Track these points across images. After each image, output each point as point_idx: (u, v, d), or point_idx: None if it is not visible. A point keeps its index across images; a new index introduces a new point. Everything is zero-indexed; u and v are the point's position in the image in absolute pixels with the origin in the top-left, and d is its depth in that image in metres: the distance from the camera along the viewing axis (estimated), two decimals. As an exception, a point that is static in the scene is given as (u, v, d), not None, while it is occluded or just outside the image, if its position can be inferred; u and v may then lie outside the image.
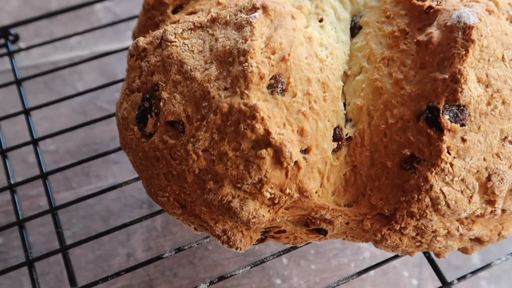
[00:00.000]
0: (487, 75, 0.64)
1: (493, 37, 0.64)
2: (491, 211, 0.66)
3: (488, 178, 0.64)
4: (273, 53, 0.66)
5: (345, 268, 0.98)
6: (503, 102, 0.64)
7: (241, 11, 0.70)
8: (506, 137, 0.65)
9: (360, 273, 0.79)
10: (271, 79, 0.65)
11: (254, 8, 0.69)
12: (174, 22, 0.75)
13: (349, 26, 0.72)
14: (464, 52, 0.62)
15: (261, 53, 0.66)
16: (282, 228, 0.72)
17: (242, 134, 0.64)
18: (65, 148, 1.10)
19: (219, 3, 0.75)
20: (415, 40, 0.65)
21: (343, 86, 0.69)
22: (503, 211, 0.68)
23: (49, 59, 1.22)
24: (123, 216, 1.02)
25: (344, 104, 0.69)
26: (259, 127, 0.63)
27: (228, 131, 0.65)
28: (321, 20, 0.71)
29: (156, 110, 0.71)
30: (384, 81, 0.67)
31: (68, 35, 1.09)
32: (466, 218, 0.68)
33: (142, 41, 0.74)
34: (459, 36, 0.63)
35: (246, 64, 0.65)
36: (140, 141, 0.72)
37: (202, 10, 0.76)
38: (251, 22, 0.67)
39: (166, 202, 0.72)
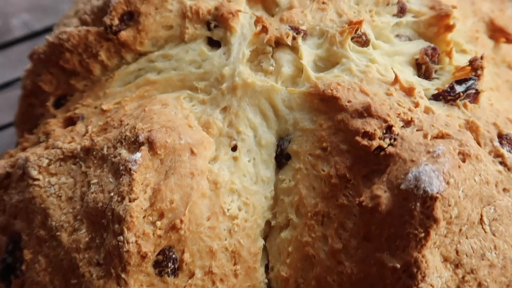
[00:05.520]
0: (457, 252, 0.45)
1: (467, 198, 0.45)
2: None
3: None
4: (161, 216, 0.47)
5: None
6: (479, 285, 0.46)
7: (121, 143, 0.50)
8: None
9: None
10: (158, 254, 0.47)
11: (137, 143, 0.49)
12: (48, 133, 0.56)
13: (274, 154, 0.52)
14: (423, 235, 0.43)
15: (144, 217, 0.47)
16: None
17: (120, 334, 0.47)
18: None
19: (103, 112, 0.55)
20: (357, 200, 0.46)
21: (264, 244, 0.51)
22: None
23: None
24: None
25: (267, 266, 0.51)
26: (141, 330, 0.46)
27: (105, 324, 0.48)
28: (234, 148, 0.52)
29: (22, 268, 0.53)
30: (317, 247, 0.48)
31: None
32: None
33: (2, 166, 0.56)
34: (416, 208, 0.44)
35: (121, 238, 0.46)
36: (8, 302, 0.55)
37: (83, 118, 0.56)
38: (130, 171, 0.48)
39: None
